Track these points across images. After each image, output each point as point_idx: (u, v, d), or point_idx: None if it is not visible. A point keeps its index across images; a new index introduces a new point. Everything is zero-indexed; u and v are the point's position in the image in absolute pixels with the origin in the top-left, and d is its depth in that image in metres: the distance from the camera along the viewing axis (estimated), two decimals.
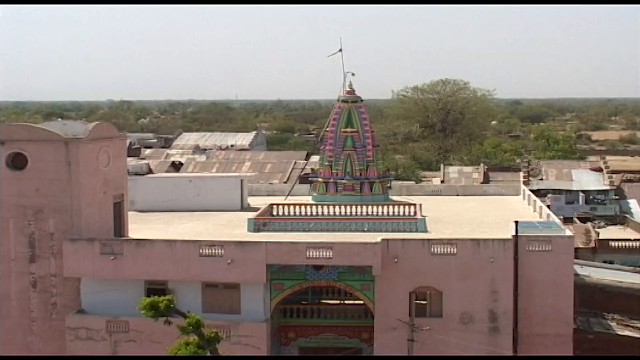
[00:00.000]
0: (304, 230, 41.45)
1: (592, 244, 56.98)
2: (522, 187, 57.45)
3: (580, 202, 71.34)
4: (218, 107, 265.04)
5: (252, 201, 52.12)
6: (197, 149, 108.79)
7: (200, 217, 47.33)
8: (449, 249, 36.81)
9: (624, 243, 56.69)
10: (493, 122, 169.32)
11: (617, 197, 71.47)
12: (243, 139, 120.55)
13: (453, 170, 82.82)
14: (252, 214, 44.04)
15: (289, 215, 45.63)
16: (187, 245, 37.17)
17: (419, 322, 36.31)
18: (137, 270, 37.23)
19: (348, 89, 53.07)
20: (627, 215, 67.09)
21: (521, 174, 76.73)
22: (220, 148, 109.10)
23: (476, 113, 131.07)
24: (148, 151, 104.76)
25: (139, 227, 43.26)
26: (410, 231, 41.13)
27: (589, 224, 61.84)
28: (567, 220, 60.87)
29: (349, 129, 51.95)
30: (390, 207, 46.21)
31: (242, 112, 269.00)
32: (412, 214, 45.18)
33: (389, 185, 53.79)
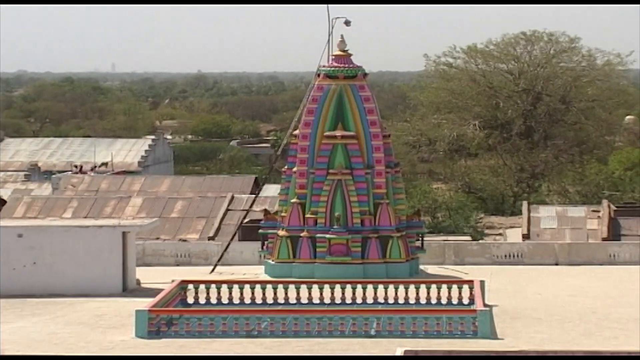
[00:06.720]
0: (249, 336, 41.43)
1: None
2: None
3: None
4: (78, 88, 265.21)
5: (146, 276, 52.43)
6: (35, 172, 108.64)
7: (41, 308, 47.37)
8: None
9: None
10: (628, 118, 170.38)
11: None
12: (128, 151, 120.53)
13: (548, 214, 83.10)
14: (144, 302, 43.99)
15: (219, 303, 45.57)
16: None
17: None
18: None
19: (338, 51, 53.43)
20: None
21: None
22: (80, 170, 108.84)
23: (595, 100, 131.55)
24: None
25: None
26: (463, 336, 41.18)
27: None
28: None
29: (339, 132, 52.21)
30: (423, 288, 46.27)
31: (125, 97, 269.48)
32: (465, 301, 45.30)
33: (419, 243, 53.92)
